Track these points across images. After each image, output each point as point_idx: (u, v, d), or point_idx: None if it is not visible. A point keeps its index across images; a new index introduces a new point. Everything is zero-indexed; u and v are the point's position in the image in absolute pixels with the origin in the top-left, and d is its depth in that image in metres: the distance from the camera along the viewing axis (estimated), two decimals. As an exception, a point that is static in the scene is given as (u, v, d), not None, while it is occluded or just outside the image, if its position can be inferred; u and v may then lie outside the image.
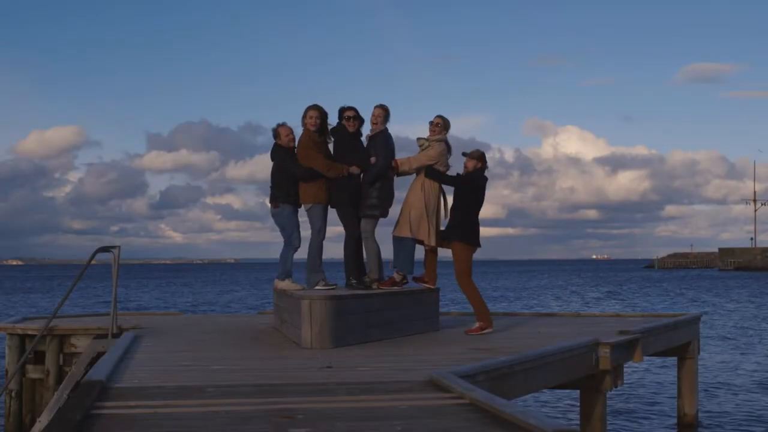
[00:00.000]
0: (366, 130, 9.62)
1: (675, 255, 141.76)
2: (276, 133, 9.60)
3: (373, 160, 9.36)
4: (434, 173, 9.45)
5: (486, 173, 9.62)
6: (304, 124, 9.42)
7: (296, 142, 9.51)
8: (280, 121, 9.66)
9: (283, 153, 9.52)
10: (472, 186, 9.49)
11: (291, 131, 9.61)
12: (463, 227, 9.43)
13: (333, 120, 9.57)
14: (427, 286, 9.75)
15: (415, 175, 9.63)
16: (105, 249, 9.34)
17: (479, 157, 9.50)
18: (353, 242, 9.43)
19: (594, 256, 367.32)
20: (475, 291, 9.46)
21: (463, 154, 9.59)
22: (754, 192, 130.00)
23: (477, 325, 9.45)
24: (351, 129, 9.45)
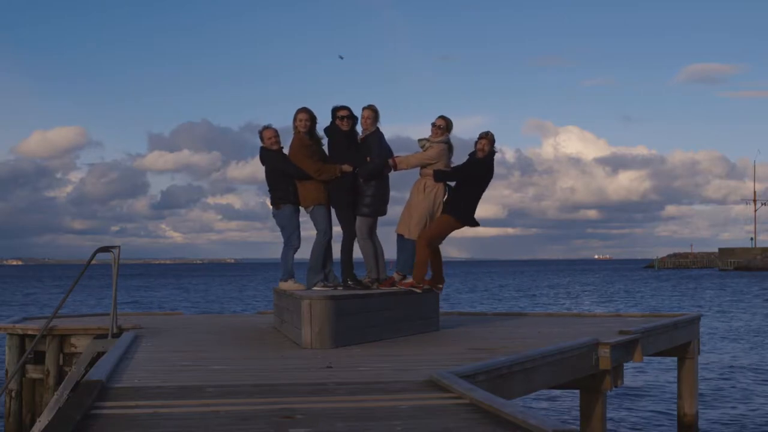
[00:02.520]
0: (359, 130, 9.64)
1: (675, 255, 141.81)
2: (261, 136, 9.62)
3: (369, 160, 9.38)
4: (441, 175, 9.46)
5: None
6: (294, 127, 9.42)
7: (280, 145, 9.54)
8: (268, 123, 9.67)
9: (272, 155, 9.53)
10: (485, 168, 9.50)
11: (274, 134, 9.58)
12: (457, 207, 9.46)
13: (325, 121, 9.59)
14: (435, 287, 9.75)
15: (419, 175, 9.62)
16: (105, 249, 9.33)
17: (493, 139, 9.50)
18: (348, 243, 9.45)
19: (596, 256, 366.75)
20: (426, 255, 9.43)
21: (480, 136, 9.48)
22: (754, 192, 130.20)
23: (410, 280, 9.50)
24: (345, 128, 9.47)
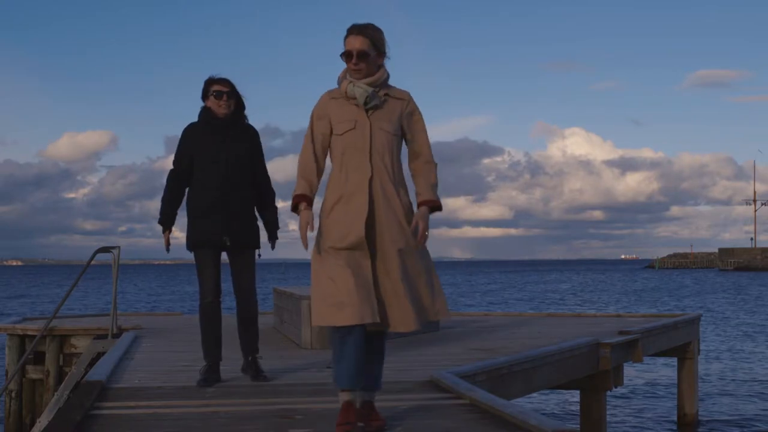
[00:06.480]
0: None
1: (675, 255, 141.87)
2: None
3: None
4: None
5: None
6: None
7: None
8: None
9: None
10: None
11: None
12: None
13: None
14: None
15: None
16: (105, 249, 9.32)
17: None
18: None
19: (622, 256, 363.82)
20: None
21: None
22: (754, 192, 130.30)
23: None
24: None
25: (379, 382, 4.48)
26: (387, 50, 4.40)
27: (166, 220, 6.10)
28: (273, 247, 6.25)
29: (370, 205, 4.22)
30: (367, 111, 4.32)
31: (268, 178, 6.26)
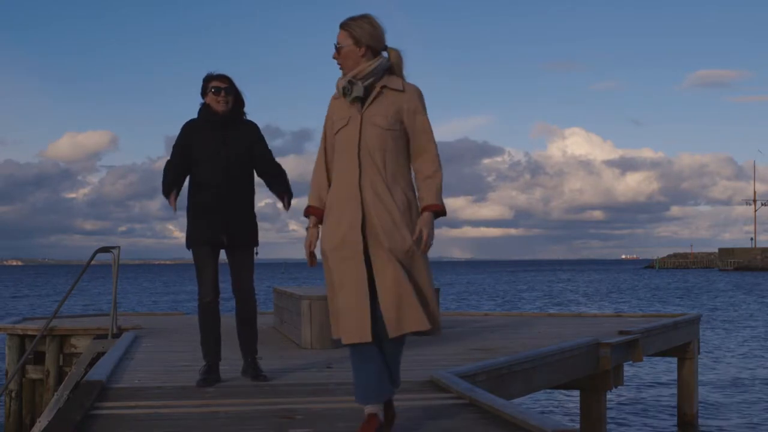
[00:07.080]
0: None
1: (675, 255, 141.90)
2: None
3: None
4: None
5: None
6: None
7: None
8: None
9: None
10: None
11: None
12: None
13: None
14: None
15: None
16: (105, 249, 9.32)
17: None
18: None
19: (623, 256, 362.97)
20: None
21: None
22: (754, 192, 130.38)
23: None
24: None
25: (396, 381, 4.44)
26: (372, 41, 4.13)
27: (169, 189, 5.87)
28: (287, 207, 6.03)
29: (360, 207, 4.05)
30: (362, 106, 4.10)
31: (277, 163, 6.12)
